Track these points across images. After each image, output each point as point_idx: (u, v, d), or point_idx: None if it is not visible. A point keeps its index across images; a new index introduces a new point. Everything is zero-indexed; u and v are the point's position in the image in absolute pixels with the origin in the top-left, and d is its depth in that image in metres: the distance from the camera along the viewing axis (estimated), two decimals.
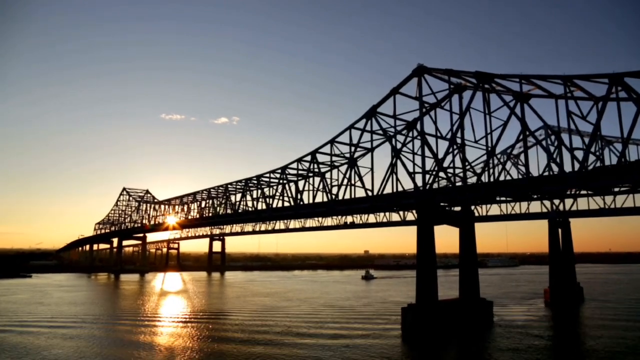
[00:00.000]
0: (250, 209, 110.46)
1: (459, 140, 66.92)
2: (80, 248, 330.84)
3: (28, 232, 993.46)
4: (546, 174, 68.14)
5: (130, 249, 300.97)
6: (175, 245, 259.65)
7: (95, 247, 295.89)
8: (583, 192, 74.06)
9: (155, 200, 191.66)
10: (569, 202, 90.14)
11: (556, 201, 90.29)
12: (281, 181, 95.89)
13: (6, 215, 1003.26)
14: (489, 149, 63.80)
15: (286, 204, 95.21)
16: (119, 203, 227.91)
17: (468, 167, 66.94)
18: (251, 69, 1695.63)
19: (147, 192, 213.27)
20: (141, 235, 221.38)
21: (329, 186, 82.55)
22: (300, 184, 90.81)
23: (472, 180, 67.10)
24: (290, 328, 61.49)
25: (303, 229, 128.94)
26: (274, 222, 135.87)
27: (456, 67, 64.48)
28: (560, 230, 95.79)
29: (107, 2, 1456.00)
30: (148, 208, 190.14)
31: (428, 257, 62.14)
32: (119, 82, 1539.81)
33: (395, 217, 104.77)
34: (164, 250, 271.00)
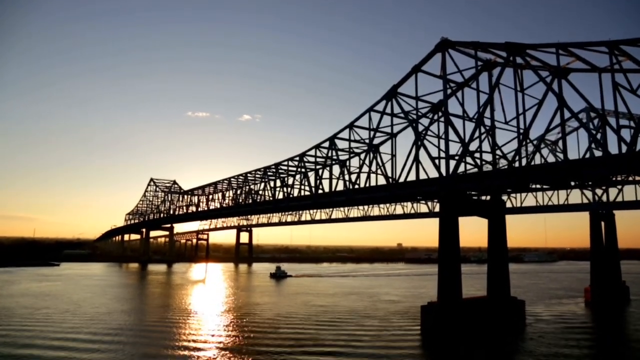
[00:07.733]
0: (269, 198, 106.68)
1: (487, 122, 60.44)
2: (115, 238, 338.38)
3: (74, 223, 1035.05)
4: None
5: (162, 239, 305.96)
6: (205, 237, 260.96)
7: (126, 237, 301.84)
8: (630, 178, 66.11)
9: (182, 191, 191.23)
10: (613, 192, 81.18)
11: (599, 191, 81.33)
12: (300, 169, 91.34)
13: (54, 206, 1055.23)
14: (522, 131, 56.87)
15: (306, 193, 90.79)
16: (146, 194, 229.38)
17: (498, 151, 60.25)
18: (272, 56, 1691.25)
19: (175, 182, 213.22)
20: (169, 225, 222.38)
21: (349, 174, 77.58)
22: (320, 172, 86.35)
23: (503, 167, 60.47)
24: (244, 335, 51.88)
25: (329, 220, 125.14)
26: (300, 212, 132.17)
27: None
28: (603, 223, 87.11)
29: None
30: (174, 198, 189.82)
31: (451, 251, 56.54)
32: (147, 80, 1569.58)
33: (424, 208, 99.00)
34: (194, 241, 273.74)
